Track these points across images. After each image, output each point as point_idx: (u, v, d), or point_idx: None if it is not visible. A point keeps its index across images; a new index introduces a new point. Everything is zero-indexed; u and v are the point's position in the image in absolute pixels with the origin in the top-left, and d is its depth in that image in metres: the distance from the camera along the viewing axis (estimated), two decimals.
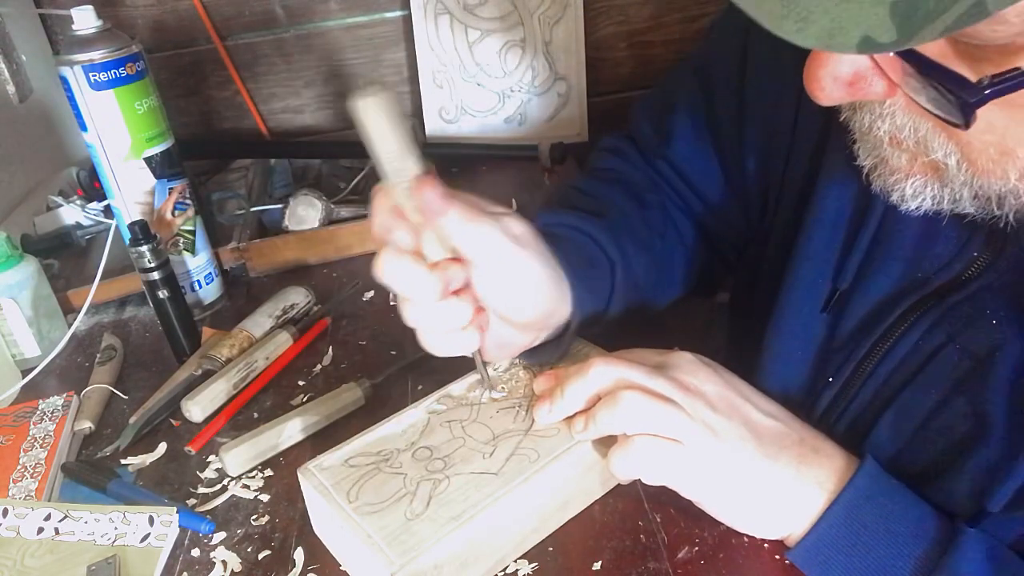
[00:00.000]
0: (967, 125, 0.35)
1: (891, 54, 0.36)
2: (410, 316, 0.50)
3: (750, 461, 0.49)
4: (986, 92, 0.33)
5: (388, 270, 0.47)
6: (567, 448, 0.52)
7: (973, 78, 0.33)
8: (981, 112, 0.34)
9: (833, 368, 0.55)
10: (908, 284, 0.52)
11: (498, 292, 0.49)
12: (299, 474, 0.52)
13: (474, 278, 0.48)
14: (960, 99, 0.34)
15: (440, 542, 0.46)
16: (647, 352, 0.55)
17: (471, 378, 0.59)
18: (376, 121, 0.42)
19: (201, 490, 0.60)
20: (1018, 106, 0.35)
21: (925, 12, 0.28)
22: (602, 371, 0.51)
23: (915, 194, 0.43)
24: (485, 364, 0.56)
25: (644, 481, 0.50)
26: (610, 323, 0.62)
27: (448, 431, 0.55)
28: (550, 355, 0.59)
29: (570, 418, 0.53)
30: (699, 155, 0.68)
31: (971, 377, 0.48)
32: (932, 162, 0.41)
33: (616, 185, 0.69)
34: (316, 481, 0.51)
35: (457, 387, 0.58)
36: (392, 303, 0.83)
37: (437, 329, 0.50)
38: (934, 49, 0.34)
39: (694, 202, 0.70)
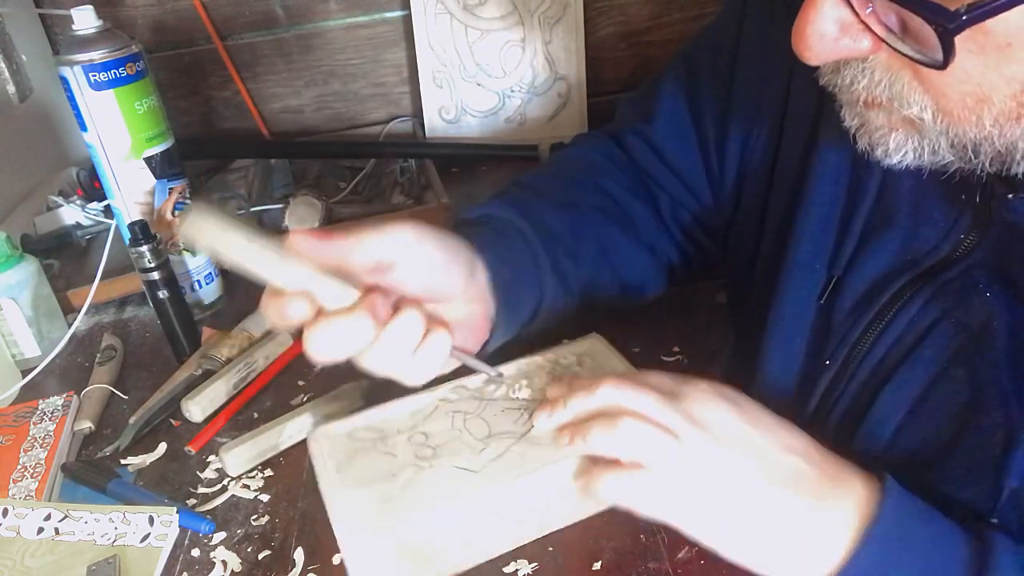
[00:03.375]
0: (946, 63, 0.36)
1: (872, 7, 0.38)
2: (376, 364, 0.49)
3: (759, 501, 0.46)
4: (963, 18, 0.34)
5: (320, 342, 0.46)
6: (554, 460, 0.50)
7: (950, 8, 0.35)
8: (957, 61, 0.36)
9: (829, 351, 0.55)
10: (899, 266, 0.52)
11: (423, 276, 0.50)
12: (308, 437, 0.55)
13: (398, 279, 0.48)
14: (941, 29, 0.35)
15: (399, 529, 0.47)
16: (664, 377, 0.52)
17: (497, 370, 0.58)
18: (208, 235, 0.42)
19: (201, 490, 0.60)
20: (992, 51, 0.36)
21: None
22: (610, 392, 0.50)
23: (897, 148, 0.44)
24: (474, 357, 0.55)
25: (637, 512, 0.48)
26: (556, 294, 0.62)
27: (450, 421, 0.55)
28: (515, 325, 0.59)
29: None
30: (678, 134, 0.69)
31: (967, 348, 0.49)
32: (908, 118, 0.42)
33: (544, 171, 0.71)
34: (317, 448, 0.53)
35: (474, 380, 0.58)
36: None
37: (405, 353, 0.49)
38: None
39: (670, 181, 0.70)
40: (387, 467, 0.51)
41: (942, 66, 0.36)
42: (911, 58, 0.38)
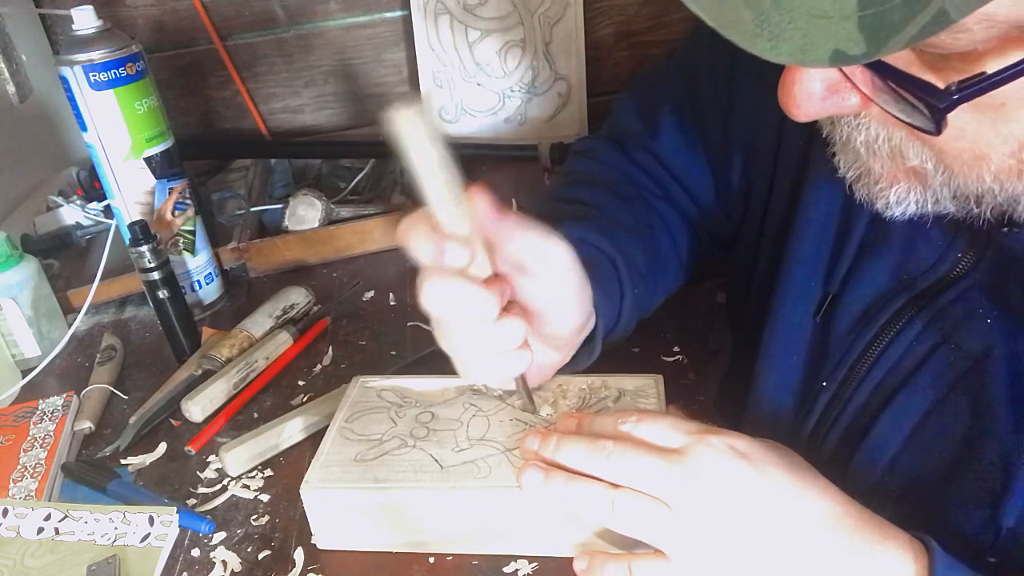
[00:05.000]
0: (938, 131, 0.35)
1: (860, 68, 0.37)
2: (459, 341, 0.48)
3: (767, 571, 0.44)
4: (954, 97, 0.34)
5: (440, 294, 0.45)
6: (514, 487, 0.49)
7: (940, 85, 0.34)
8: (951, 118, 0.35)
9: (827, 372, 0.55)
10: (896, 286, 0.52)
11: (552, 301, 0.48)
12: (352, 381, 0.60)
13: (528, 289, 0.47)
14: (931, 106, 0.34)
15: (349, 492, 0.51)
16: (678, 429, 0.47)
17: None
18: (414, 135, 0.41)
19: (201, 490, 0.60)
20: (987, 110, 0.36)
21: (891, 24, 0.29)
22: (614, 463, 0.46)
23: (899, 201, 0.43)
24: (529, 388, 0.54)
25: None
26: (626, 325, 0.60)
27: (460, 410, 0.56)
28: (579, 365, 0.57)
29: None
30: (684, 149, 0.69)
31: (969, 375, 0.48)
32: (911, 168, 0.41)
33: (592, 186, 0.68)
34: (353, 392, 0.59)
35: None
36: (392, 303, 0.83)
37: (489, 351, 0.48)
38: (901, 60, 0.35)
39: (678, 193, 0.70)
40: (382, 431, 0.55)
41: (935, 133, 0.36)
42: (903, 121, 0.37)
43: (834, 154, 0.46)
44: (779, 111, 0.59)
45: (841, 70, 0.38)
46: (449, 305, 0.45)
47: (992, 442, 0.46)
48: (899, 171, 0.42)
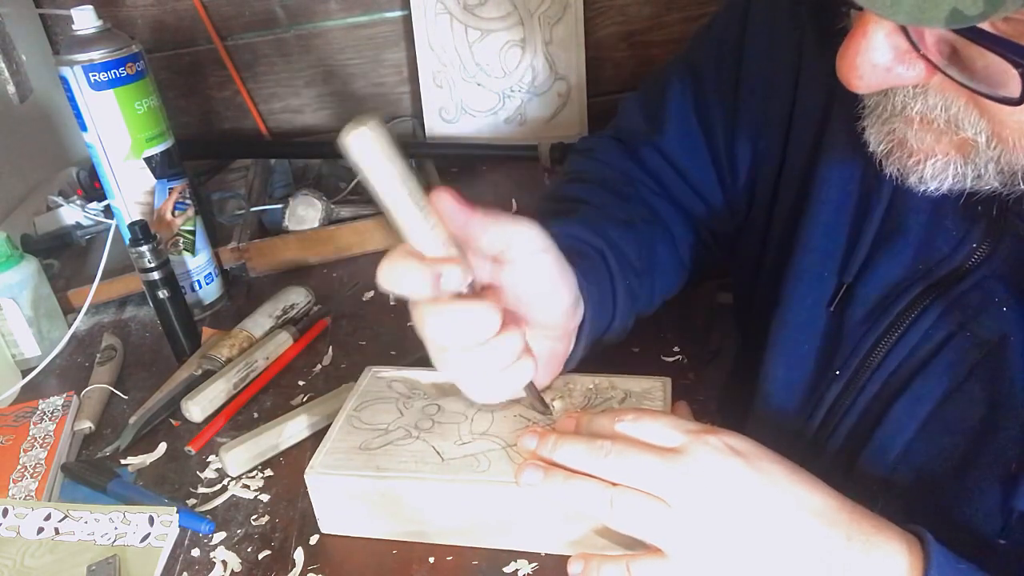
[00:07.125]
0: (1022, 100, 0.34)
1: (932, 38, 0.37)
2: (464, 366, 0.47)
3: (765, 568, 0.44)
4: None
5: (445, 324, 0.44)
6: (510, 482, 0.49)
7: None
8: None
9: (840, 361, 0.55)
10: (912, 274, 0.52)
11: (537, 289, 0.48)
12: (365, 371, 0.60)
13: (509, 280, 0.47)
14: None
15: (350, 479, 0.51)
16: (676, 427, 0.48)
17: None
18: (370, 154, 0.39)
19: (201, 490, 0.60)
20: None
21: None
22: (613, 461, 0.46)
23: (935, 175, 0.43)
24: (538, 392, 0.54)
25: None
26: (623, 319, 0.60)
27: (466, 404, 0.56)
28: (575, 360, 0.57)
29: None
30: (689, 144, 0.69)
31: (985, 364, 0.48)
32: (961, 140, 0.41)
33: (587, 183, 0.68)
34: (364, 381, 0.60)
35: None
36: (392, 303, 0.83)
37: (495, 367, 0.47)
38: (986, 27, 0.34)
39: (683, 191, 0.70)
40: (388, 421, 0.55)
41: (1017, 102, 0.35)
42: (978, 92, 0.36)
43: (863, 128, 0.45)
44: (787, 103, 0.60)
45: (910, 40, 0.37)
46: (456, 331, 0.45)
47: (1009, 428, 0.46)
48: (942, 143, 0.42)
